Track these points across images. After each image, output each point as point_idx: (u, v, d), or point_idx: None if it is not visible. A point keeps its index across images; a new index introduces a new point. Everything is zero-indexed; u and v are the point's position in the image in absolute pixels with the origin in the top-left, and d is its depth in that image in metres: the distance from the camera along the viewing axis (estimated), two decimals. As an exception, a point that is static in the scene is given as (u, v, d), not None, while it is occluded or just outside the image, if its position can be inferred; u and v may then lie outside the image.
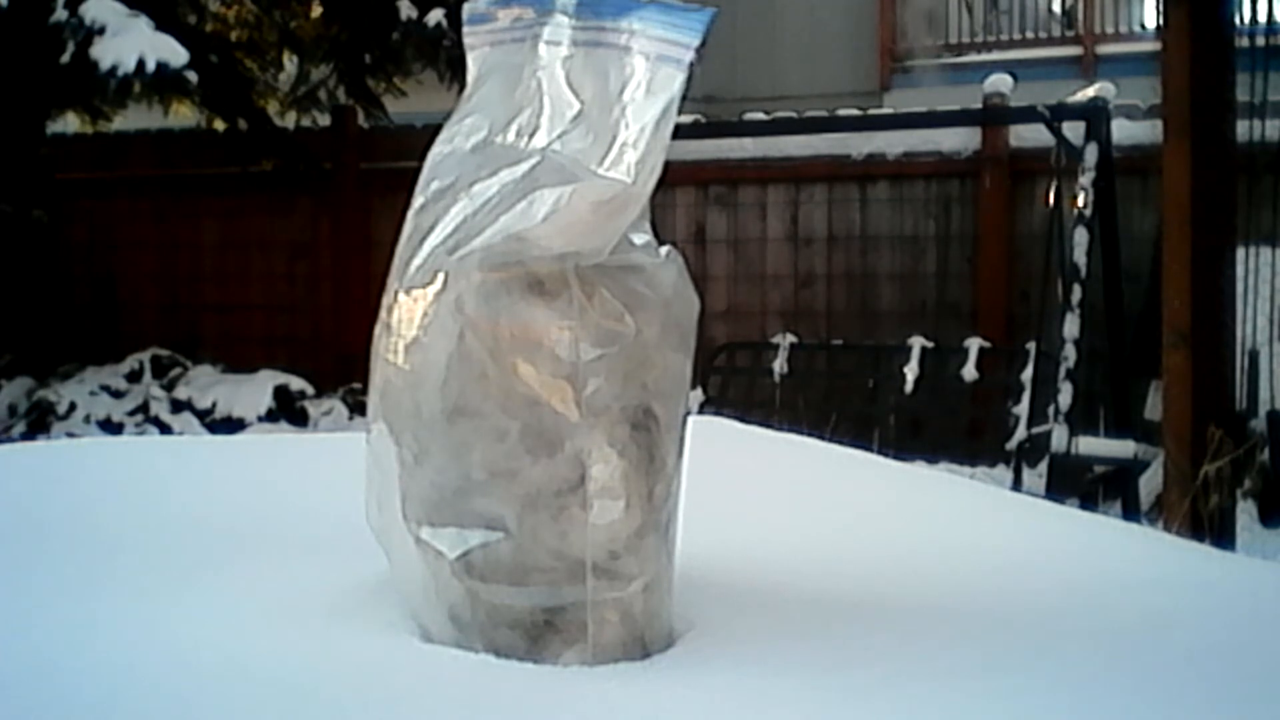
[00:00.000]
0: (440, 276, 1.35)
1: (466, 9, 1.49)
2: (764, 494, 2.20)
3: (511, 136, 1.39)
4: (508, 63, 1.43)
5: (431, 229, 1.38)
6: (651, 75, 1.31)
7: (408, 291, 1.39)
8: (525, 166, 1.34)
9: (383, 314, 1.44)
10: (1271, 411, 5.51)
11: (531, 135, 1.38)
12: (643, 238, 1.42)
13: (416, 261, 1.39)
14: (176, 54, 7.31)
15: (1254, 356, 5.45)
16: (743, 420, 3.20)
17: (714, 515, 1.77)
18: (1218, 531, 4.40)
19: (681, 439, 1.42)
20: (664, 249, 1.44)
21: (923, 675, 1.33)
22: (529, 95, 1.40)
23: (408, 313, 1.38)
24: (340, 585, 1.55)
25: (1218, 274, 4.56)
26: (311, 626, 1.42)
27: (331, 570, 1.60)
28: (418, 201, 1.43)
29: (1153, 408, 5.98)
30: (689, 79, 1.30)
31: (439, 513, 1.35)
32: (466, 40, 1.49)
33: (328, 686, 1.25)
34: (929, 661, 1.38)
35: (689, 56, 1.30)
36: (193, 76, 7.50)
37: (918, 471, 3.18)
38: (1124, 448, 5.50)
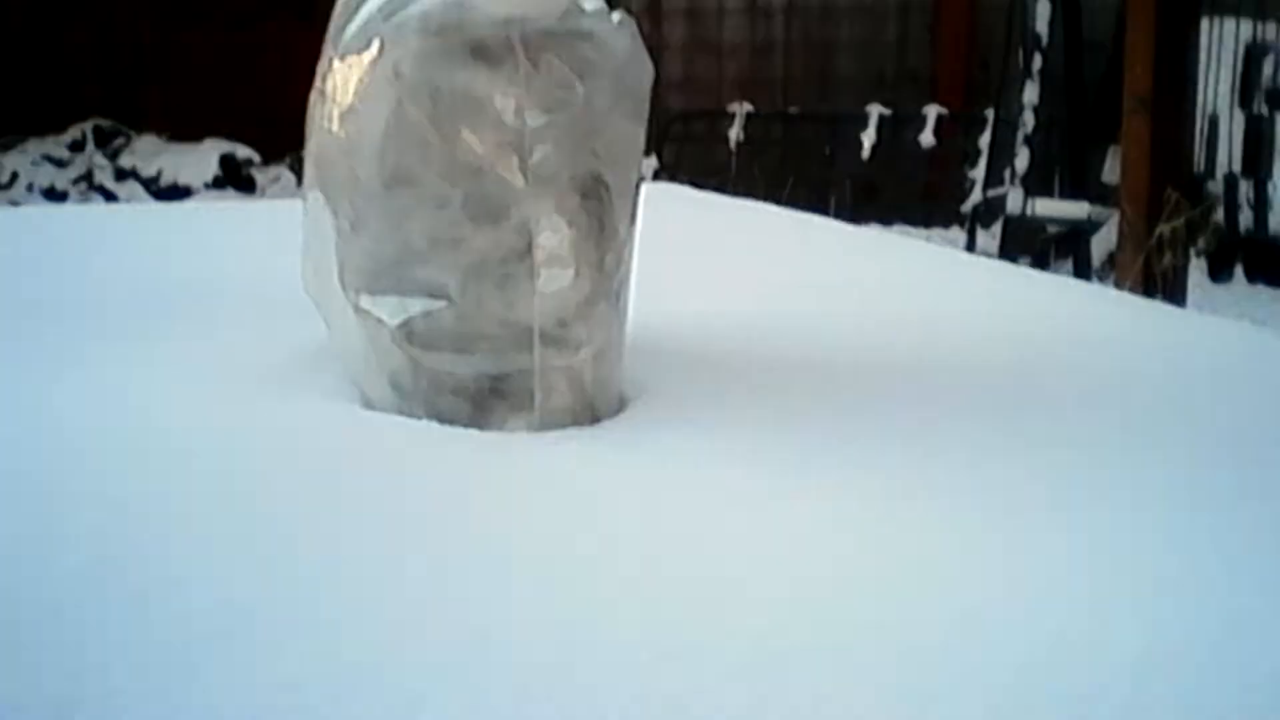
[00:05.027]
0: (376, 43, 1.30)
1: None
2: (718, 260, 2.19)
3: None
4: None
5: (368, -7, 1.33)
6: None
7: (342, 58, 1.34)
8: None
9: (317, 81, 1.41)
10: (1229, 174, 5.54)
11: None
12: (594, 4, 1.37)
13: (352, 28, 1.34)
14: None
15: (1214, 121, 5.45)
16: (698, 188, 3.17)
17: (667, 282, 1.76)
18: (1170, 289, 4.48)
19: (634, 207, 1.40)
20: (615, 14, 1.39)
21: (879, 433, 1.33)
22: None
23: (343, 80, 1.34)
24: (284, 350, 1.54)
25: (1181, 41, 4.52)
26: (244, 391, 1.41)
27: (276, 336, 1.58)
28: (354, -36, 1.36)
29: (1109, 171, 5.99)
30: None
31: (378, 281, 1.33)
32: None
33: (260, 449, 1.24)
34: (886, 419, 1.37)
35: None
36: None
37: (872, 234, 3.17)
38: (1078, 209, 5.53)
